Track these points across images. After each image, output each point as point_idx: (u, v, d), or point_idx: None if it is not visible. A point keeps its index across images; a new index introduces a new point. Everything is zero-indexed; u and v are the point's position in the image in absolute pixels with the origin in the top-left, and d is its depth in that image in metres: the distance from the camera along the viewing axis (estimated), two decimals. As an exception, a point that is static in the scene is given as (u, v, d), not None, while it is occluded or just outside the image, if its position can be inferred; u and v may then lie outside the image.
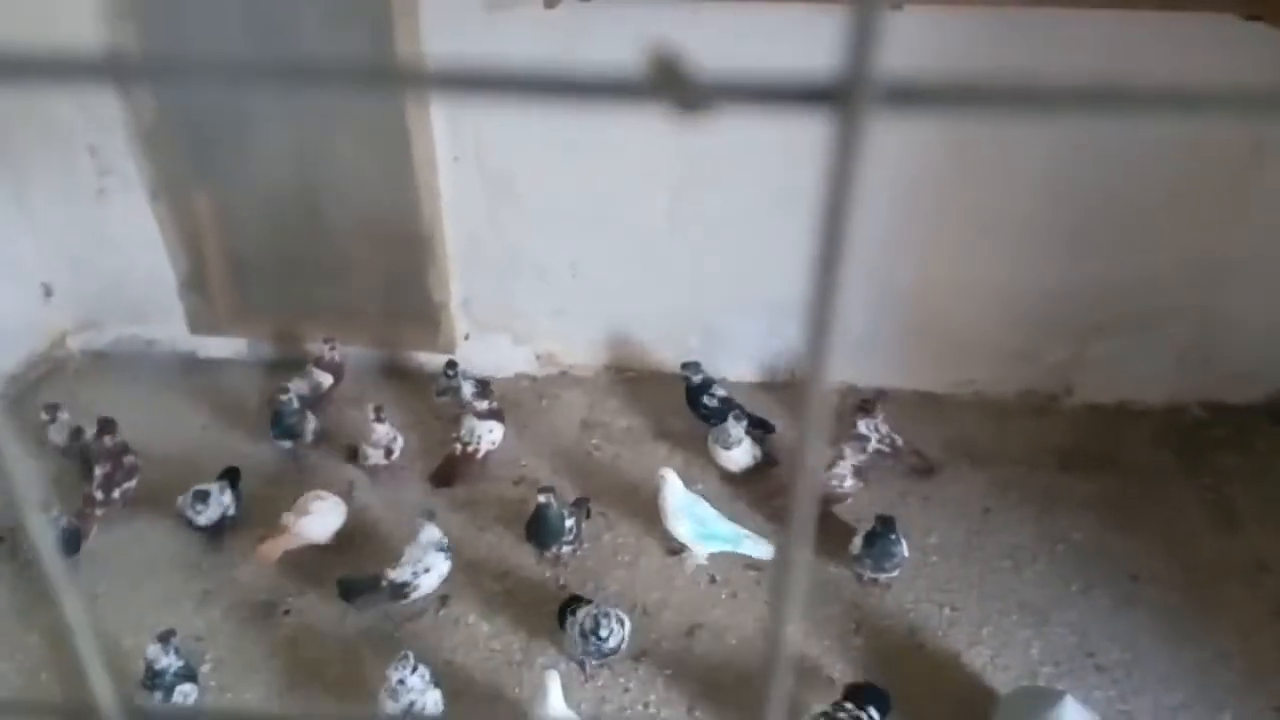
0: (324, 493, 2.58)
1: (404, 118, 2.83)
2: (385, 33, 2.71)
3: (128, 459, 2.69)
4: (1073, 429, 3.01)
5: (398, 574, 2.36)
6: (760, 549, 2.49)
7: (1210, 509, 2.70)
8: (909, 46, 2.55)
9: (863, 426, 2.79)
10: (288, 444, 2.87)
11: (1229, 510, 2.70)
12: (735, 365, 3.20)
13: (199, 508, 2.53)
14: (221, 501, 2.58)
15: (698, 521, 2.48)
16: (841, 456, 2.64)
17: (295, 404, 2.85)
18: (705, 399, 2.95)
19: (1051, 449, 2.93)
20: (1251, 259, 2.82)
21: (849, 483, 2.63)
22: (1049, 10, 2.38)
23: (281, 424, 2.84)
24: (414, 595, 2.38)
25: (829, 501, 2.61)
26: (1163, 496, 2.74)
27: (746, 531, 2.50)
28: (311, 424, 2.88)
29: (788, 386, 3.17)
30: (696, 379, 2.95)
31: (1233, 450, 2.91)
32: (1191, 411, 3.04)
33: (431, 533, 2.42)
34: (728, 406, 2.90)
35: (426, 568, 2.38)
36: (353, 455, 2.86)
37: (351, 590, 2.39)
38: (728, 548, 2.50)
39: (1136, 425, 3.01)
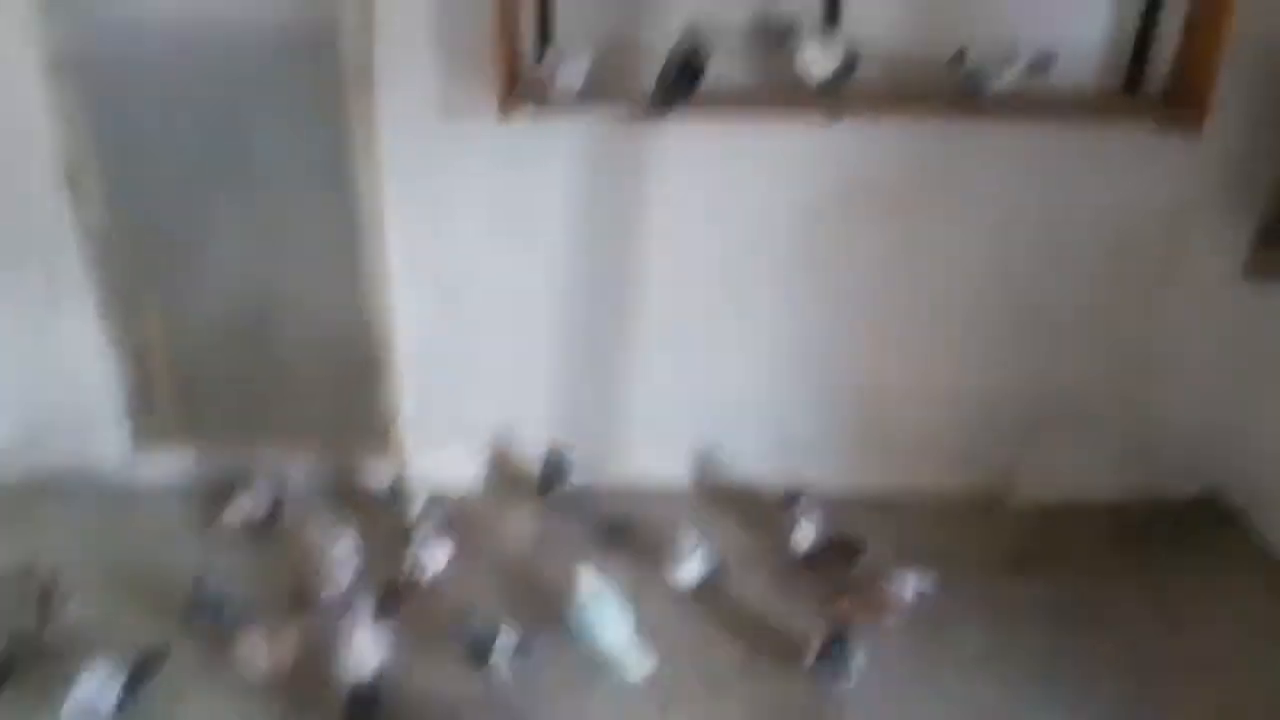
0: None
1: (357, 230, 2.86)
2: (343, 138, 2.75)
3: (58, 591, 2.57)
4: (1021, 530, 3.04)
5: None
6: (632, 669, 2.43)
7: (1157, 607, 2.73)
8: (845, 158, 2.69)
9: (798, 521, 2.82)
10: (202, 624, 2.56)
11: (1175, 608, 2.73)
12: (679, 466, 3.20)
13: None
14: (87, 690, 2.23)
15: (589, 622, 2.45)
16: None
17: (210, 586, 2.58)
18: (554, 489, 2.99)
19: (1001, 551, 2.94)
20: (1177, 357, 2.95)
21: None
22: (978, 123, 2.52)
23: (196, 606, 2.57)
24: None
25: (891, 613, 2.55)
26: (1111, 596, 2.76)
27: (632, 647, 2.44)
28: (227, 606, 2.56)
29: (730, 489, 3.17)
30: (552, 465, 2.98)
31: (1176, 546, 2.96)
32: (1134, 508, 3.11)
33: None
34: (568, 501, 2.95)
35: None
36: (300, 602, 2.67)
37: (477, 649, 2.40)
38: (607, 653, 2.44)
39: (1082, 524, 3.05)
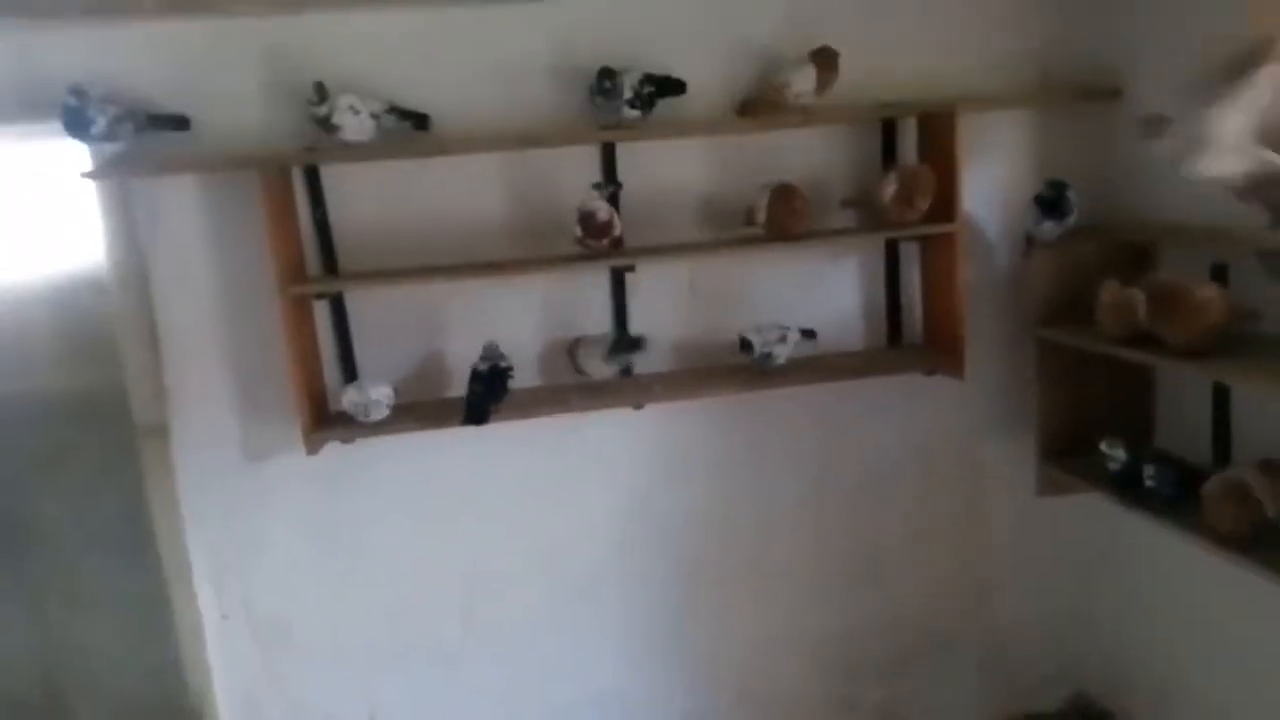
0: None
1: (162, 586, 2.65)
2: (139, 494, 2.60)
3: None
4: (911, 775, 2.95)
5: None
6: None
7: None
8: (661, 438, 2.77)
9: None
10: None
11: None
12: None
13: None
14: None
15: None
16: None
17: None
18: None
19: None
20: (1005, 573, 3.06)
21: None
22: (767, 391, 2.66)
23: None
24: None
25: None
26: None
27: None
28: None
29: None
30: None
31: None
32: (1012, 730, 3.09)
33: None
34: None
35: None
36: None
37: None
38: None
39: (966, 756, 3.00)
